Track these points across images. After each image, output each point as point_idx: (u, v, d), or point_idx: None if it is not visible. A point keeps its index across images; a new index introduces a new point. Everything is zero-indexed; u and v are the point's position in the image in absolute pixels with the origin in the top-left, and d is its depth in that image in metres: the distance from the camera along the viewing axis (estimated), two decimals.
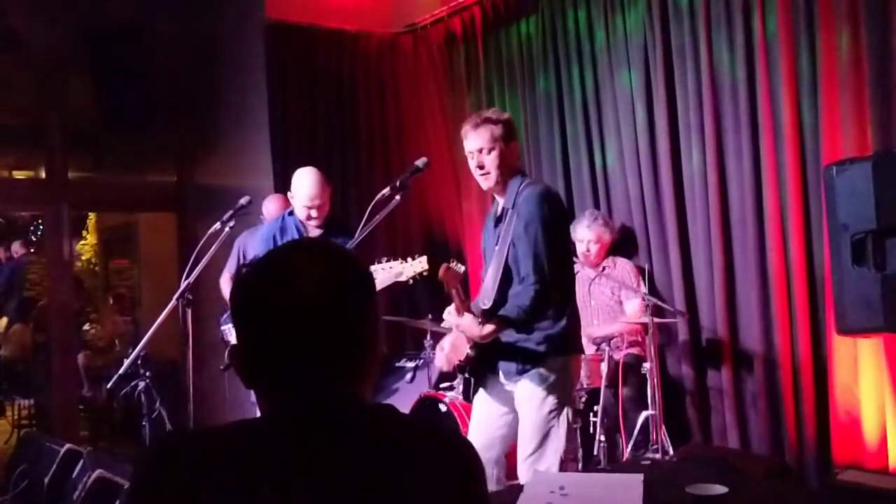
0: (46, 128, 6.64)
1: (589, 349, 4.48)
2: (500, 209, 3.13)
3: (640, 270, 4.85)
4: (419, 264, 3.31)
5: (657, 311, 4.34)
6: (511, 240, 2.98)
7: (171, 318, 3.82)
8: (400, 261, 3.44)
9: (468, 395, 3.05)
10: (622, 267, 4.84)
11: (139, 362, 4.31)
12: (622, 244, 5.01)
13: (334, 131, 6.20)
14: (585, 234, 4.81)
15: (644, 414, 4.19)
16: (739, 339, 4.43)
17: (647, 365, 4.19)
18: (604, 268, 4.85)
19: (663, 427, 4.13)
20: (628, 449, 4.19)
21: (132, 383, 4.45)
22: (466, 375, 3.08)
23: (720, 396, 4.51)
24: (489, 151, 3.02)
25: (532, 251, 2.90)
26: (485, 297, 3.07)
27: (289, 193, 4.19)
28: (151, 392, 4.45)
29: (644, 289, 4.67)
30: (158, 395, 4.54)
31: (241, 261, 4.88)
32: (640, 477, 2.25)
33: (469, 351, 3.06)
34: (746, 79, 4.28)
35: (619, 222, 5.04)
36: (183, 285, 3.71)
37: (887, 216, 3.18)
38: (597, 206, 5.15)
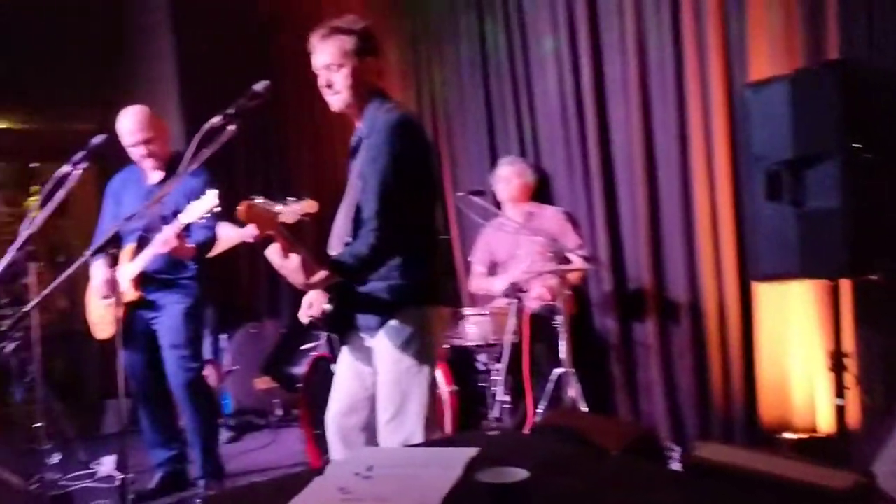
0: None
1: (499, 301, 4.12)
2: (356, 138, 2.69)
3: (570, 216, 4.45)
4: (208, 201, 2.85)
5: (566, 261, 3.96)
6: (362, 174, 2.56)
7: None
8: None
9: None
10: (552, 217, 4.42)
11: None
12: (545, 191, 4.61)
13: (249, 66, 5.72)
14: (505, 170, 4.46)
15: (557, 371, 3.80)
16: (665, 289, 4.04)
17: (561, 318, 3.80)
18: (531, 214, 4.45)
19: (578, 385, 3.75)
20: (540, 409, 3.83)
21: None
22: (326, 333, 2.67)
23: (646, 351, 4.13)
24: (338, 67, 2.57)
25: (377, 190, 2.46)
26: (334, 241, 2.65)
27: None
28: (21, 354, 4.04)
29: (579, 240, 4.30)
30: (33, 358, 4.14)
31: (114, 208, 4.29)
32: (470, 453, 1.86)
33: (325, 305, 2.66)
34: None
35: (545, 171, 4.65)
36: (24, 235, 3.30)
37: (805, 143, 2.75)
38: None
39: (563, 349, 3.73)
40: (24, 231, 3.29)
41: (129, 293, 3.79)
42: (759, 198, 2.87)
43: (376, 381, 2.64)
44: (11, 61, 6.43)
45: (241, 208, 2.22)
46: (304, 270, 2.35)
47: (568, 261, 4.05)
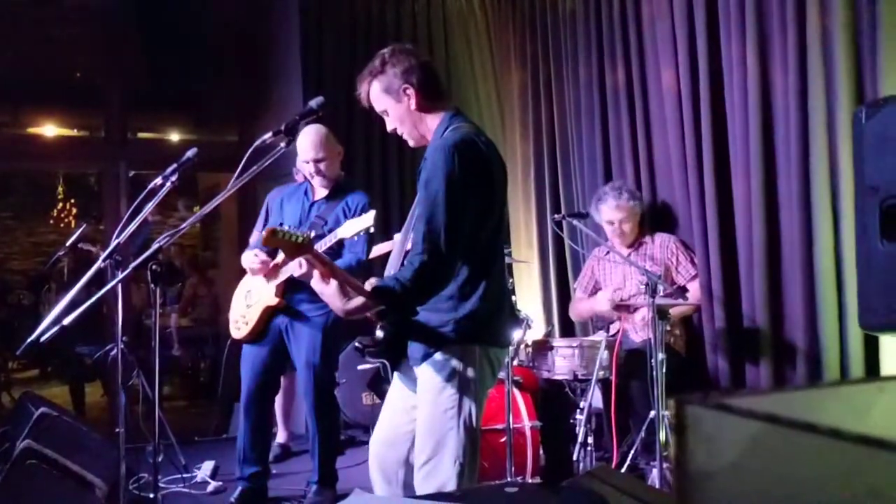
0: (105, 88, 6.60)
1: (597, 335, 3.86)
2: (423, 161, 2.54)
3: (685, 244, 4.11)
4: (365, 220, 2.88)
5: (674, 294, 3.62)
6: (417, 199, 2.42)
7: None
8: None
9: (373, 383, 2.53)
10: (664, 245, 4.11)
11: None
12: (660, 218, 4.29)
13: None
14: (614, 214, 4.09)
15: (652, 413, 3.50)
16: (782, 330, 3.65)
17: (660, 356, 3.48)
18: (640, 244, 4.14)
19: (671, 430, 3.43)
20: (631, 454, 3.54)
21: (105, 348, 4.21)
22: (372, 360, 2.54)
23: None
24: (386, 113, 2.46)
25: (427, 214, 2.28)
26: (390, 265, 2.52)
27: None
28: (127, 358, 4.16)
29: (693, 271, 3.98)
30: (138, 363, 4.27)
31: (267, 219, 4.42)
32: None
33: (378, 331, 2.52)
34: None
35: (659, 197, 4.34)
36: (112, 244, 3.37)
37: None
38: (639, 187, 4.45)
39: (657, 388, 3.42)
40: (114, 240, 3.36)
41: (271, 298, 3.82)
42: (872, 235, 2.49)
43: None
44: (185, 77, 6.92)
45: (265, 234, 2.15)
46: (341, 296, 2.23)
47: (677, 293, 3.73)
